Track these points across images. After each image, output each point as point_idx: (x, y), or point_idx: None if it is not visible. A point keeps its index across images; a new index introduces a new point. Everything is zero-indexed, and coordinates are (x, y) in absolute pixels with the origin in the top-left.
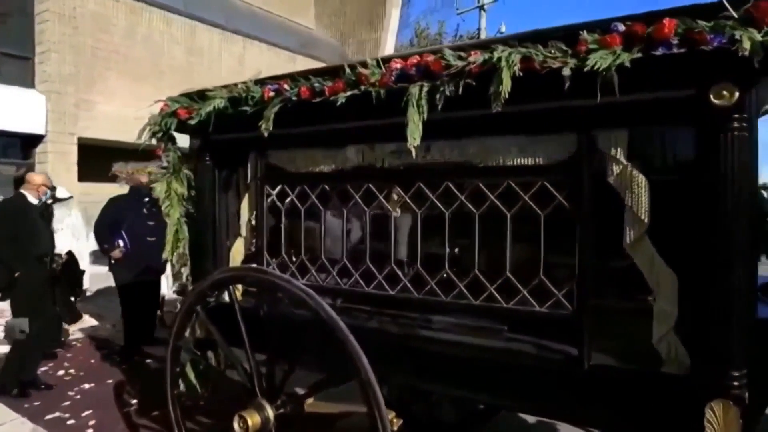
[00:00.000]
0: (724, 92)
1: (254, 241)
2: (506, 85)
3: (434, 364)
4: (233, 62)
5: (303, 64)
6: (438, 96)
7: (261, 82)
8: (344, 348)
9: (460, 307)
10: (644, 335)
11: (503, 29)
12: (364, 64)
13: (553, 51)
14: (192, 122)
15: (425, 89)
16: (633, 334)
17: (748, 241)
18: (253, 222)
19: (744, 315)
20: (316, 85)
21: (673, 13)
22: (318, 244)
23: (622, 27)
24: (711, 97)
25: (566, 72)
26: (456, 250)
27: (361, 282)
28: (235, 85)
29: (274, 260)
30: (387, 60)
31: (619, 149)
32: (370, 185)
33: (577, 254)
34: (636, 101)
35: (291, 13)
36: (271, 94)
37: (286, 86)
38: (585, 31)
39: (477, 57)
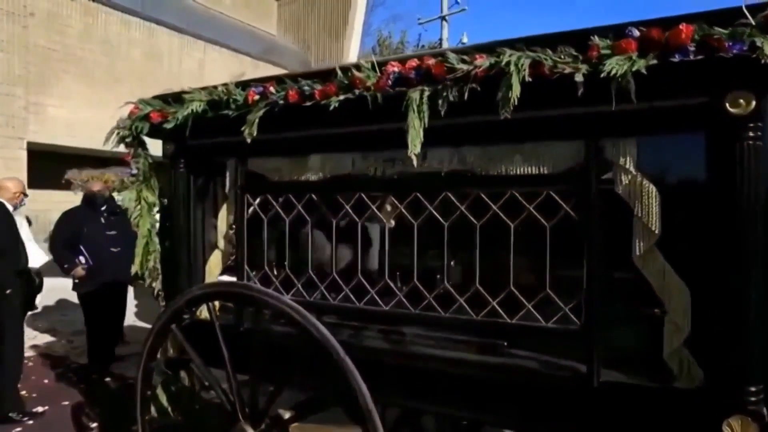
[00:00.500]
0: (741, 100)
1: (232, 254)
2: (516, 91)
3: (433, 384)
4: (193, 67)
5: (265, 71)
6: (441, 101)
7: (244, 84)
8: (340, 371)
9: (460, 323)
10: (653, 348)
11: (465, 40)
12: (358, 67)
13: (562, 56)
14: (168, 126)
15: (426, 94)
16: (641, 347)
17: (763, 251)
18: (232, 234)
19: (761, 328)
20: (306, 88)
21: (688, 19)
22: (304, 257)
23: (636, 32)
24: (726, 105)
25: (579, 78)
26: (453, 263)
27: (352, 297)
28: (215, 87)
29: (254, 274)
30: (382, 63)
31: (628, 158)
32: (362, 195)
33: (585, 266)
34: (646, 109)
35: (253, 18)
36: (256, 97)
37: (272, 89)
38: (596, 36)
39: (483, 61)
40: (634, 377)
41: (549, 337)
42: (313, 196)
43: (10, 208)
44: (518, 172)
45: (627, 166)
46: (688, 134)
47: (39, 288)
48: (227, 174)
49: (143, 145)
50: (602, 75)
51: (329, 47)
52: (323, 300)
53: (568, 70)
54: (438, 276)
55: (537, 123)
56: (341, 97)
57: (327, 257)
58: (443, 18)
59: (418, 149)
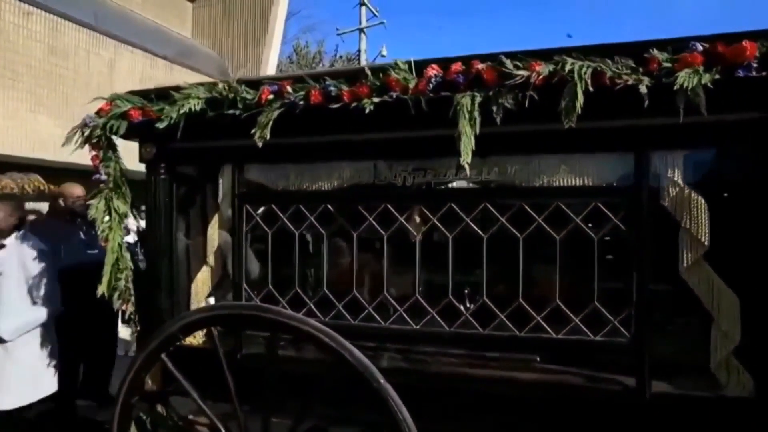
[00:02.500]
0: None
1: (224, 271)
2: (580, 100)
3: (477, 406)
4: (102, 67)
5: (181, 74)
6: (496, 108)
7: (250, 82)
8: (380, 399)
9: (503, 340)
10: (699, 358)
11: (384, 52)
12: (393, 68)
13: (620, 67)
14: (161, 125)
15: (478, 100)
16: (688, 357)
17: None
18: (224, 248)
19: None
20: (332, 88)
21: (750, 37)
22: (317, 273)
23: (700, 46)
24: None
25: (643, 90)
26: (492, 277)
27: (377, 317)
28: (215, 84)
29: (255, 294)
30: (419, 65)
31: (676, 170)
32: (388, 206)
33: (635, 278)
34: (698, 122)
35: (166, 19)
36: (270, 96)
37: (289, 88)
38: (655, 49)
39: (543, 68)
40: (682, 387)
41: (597, 352)
42: (329, 206)
43: None
44: (565, 184)
45: (675, 179)
46: (737, 147)
47: None
48: (220, 181)
49: (114, 147)
50: (675, 87)
51: (248, 54)
52: (339, 320)
53: (631, 81)
54: (467, 291)
55: (587, 134)
56: (376, 100)
57: (345, 274)
58: (361, 30)
59: (469, 158)
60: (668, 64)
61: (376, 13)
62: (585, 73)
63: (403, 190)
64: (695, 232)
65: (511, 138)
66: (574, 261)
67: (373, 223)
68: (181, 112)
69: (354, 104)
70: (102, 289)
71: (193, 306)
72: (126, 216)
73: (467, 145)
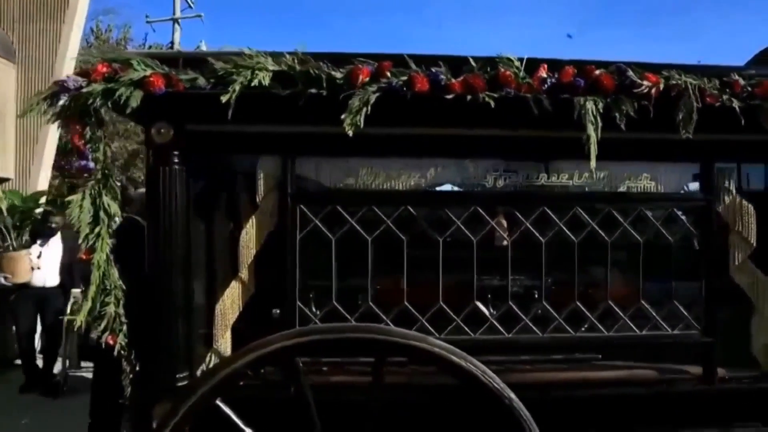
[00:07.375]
0: None
1: (259, 285)
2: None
3: (579, 410)
4: None
5: None
6: (619, 115)
7: (337, 59)
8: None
9: (593, 342)
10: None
11: (203, 47)
12: (503, 62)
13: (712, 87)
14: (224, 99)
15: (601, 105)
16: (739, 345)
17: None
18: (252, 256)
19: None
20: (442, 77)
21: None
22: (394, 285)
23: None
24: None
25: (737, 108)
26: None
27: (466, 328)
28: (280, 54)
29: (313, 312)
30: (532, 63)
31: (731, 181)
32: (479, 209)
33: (705, 277)
34: (753, 140)
35: None
36: (366, 78)
37: (388, 72)
38: (735, 74)
39: (660, 81)
40: (737, 371)
41: (670, 346)
42: (411, 209)
43: None
44: (646, 190)
45: (729, 188)
46: None
47: None
48: (259, 176)
49: (102, 123)
50: None
51: (39, 29)
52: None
53: (726, 101)
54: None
55: (667, 145)
56: (495, 95)
57: (428, 283)
58: (175, 20)
59: (594, 163)
60: (748, 89)
61: (192, 5)
62: (696, 88)
63: (493, 192)
64: (745, 235)
65: (608, 144)
66: (655, 262)
67: (461, 227)
68: (253, 84)
69: (469, 97)
70: (81, 317)
71: (219, 333)
72: (117, 218)
73: (593, 150)
